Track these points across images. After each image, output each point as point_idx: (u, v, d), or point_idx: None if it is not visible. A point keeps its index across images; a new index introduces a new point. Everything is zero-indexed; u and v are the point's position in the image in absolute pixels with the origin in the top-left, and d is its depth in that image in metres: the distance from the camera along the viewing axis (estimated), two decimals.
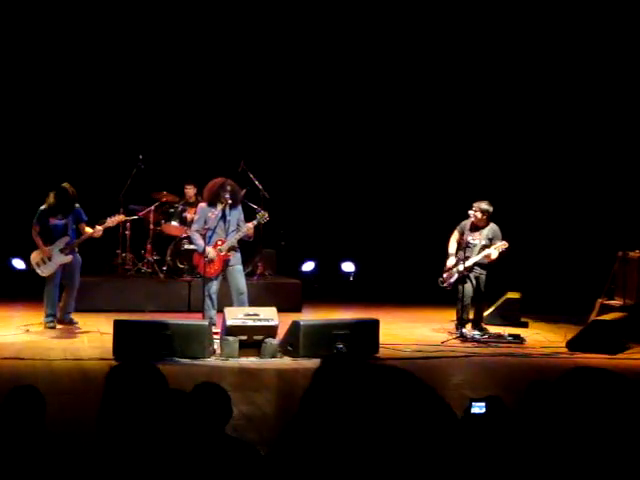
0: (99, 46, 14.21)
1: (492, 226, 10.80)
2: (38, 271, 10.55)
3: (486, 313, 11.54)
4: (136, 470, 2.57)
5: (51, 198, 10.50)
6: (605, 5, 14.10)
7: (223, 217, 10.11)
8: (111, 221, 10.77)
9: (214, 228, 10.08)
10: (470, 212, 10.72)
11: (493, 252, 10.60)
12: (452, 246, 10.92)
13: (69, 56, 14.16)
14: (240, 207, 10.33)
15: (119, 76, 14.40)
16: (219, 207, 10.10)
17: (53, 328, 10.48)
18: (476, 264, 10.73)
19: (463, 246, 10.75)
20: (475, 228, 10.78)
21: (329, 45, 14.88)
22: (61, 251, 10.52)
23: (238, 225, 10.17)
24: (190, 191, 12.85)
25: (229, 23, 14.64)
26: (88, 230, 10.63)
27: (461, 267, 10.63)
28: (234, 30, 14.64)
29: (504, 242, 10.63)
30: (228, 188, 10.08)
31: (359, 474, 2.11)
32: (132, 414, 2.61)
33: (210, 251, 9.99)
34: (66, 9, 14.01)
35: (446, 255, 10.95)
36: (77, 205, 10.61)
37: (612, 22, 14.05)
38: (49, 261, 10.49)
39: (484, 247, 10.72)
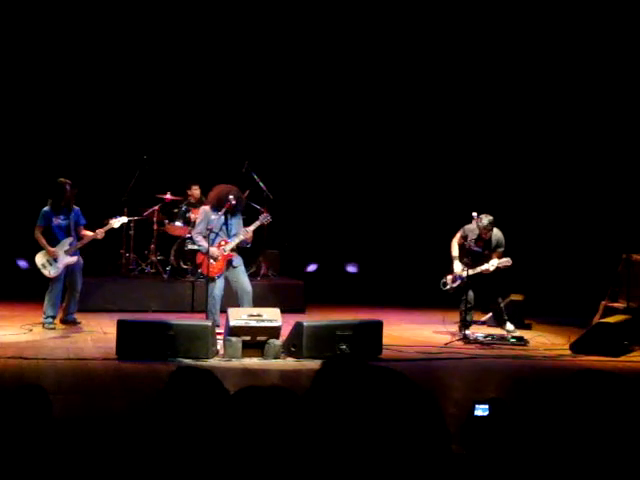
0: (103, 46, 14.22)
1: (496, 233, 10.71)
2: (45, 272, 10.42)
3: (489, 315, 11.53)
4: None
5: (51, 199, 10.50)
6: (605, 5, 14.07)
7: (225, 222, 10.17)
8: (114, 222, 10.76)
9: (217, 231, 10.12)
10: (475, 222, 10.61)
11: (492, 266, 10.57)
12: (455, 249, 10.84)
13: (73, 57, 14.16)
14: (240, 215, 10.40)
15: (124, 77, 14.41)
16: (222, 212, 10.15)
17: (52, 329, 10.43)
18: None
19: (466, 252, 10.71)
20: (480, 238, 10.70)
21: (334, 47, 14.88)
22: (66, 252, 10.49)
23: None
24: (196, 192, 12.87)
25: (234, 24, 14.65)
26: (89, 233, 10.59)
27: (465, 274, 10.60)
28: (238, 32, 14.65)
29: (508, 259, 10.56)
30: (236, 196, 10.20)
31: (356, 475, 2.12)
32: (187, 418, 2.59)
33: (214, 250, 10.04)
34: (70, 9, 14.02)
35: (449, 258, 10.90)
36: (77, 207, 10.61)
37: (612, 23, 14.03)
38: (55, 262, 10.44)
39: (488, 256, 10.64)
